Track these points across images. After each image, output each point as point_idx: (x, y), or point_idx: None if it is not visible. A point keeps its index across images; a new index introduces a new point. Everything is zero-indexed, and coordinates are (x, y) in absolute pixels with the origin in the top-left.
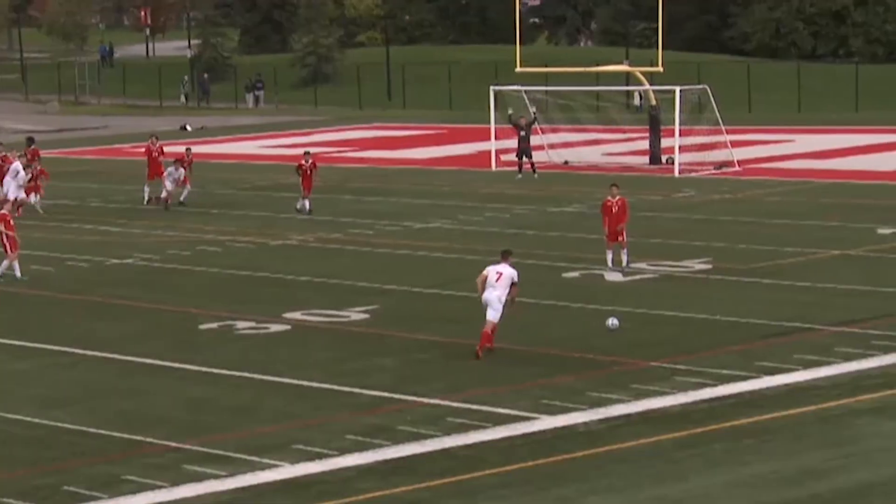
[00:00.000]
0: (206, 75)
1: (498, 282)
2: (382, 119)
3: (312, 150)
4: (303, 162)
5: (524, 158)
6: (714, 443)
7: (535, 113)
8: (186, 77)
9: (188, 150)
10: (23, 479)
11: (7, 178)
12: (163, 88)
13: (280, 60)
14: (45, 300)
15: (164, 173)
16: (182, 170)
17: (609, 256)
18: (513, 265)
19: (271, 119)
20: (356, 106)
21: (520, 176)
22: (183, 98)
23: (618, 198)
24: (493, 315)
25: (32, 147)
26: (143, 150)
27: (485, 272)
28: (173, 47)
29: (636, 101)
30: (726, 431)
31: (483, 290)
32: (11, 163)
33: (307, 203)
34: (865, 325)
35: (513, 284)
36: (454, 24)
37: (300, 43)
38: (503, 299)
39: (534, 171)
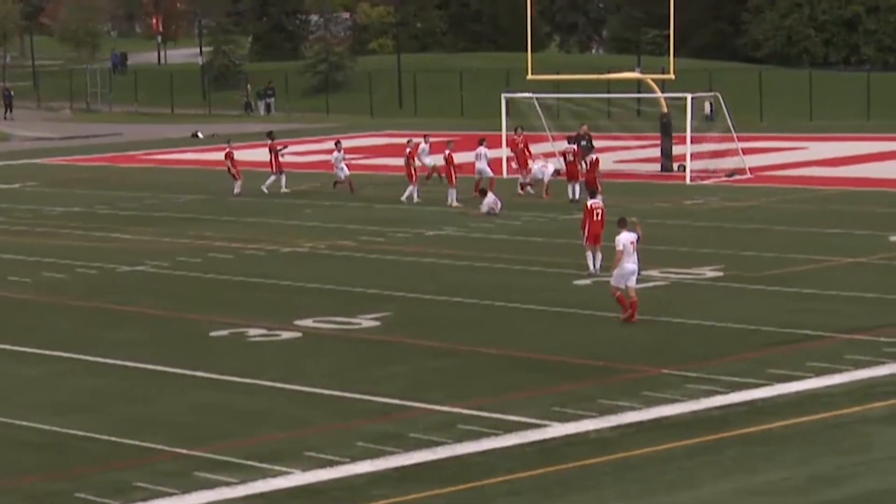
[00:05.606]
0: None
1: (634, 249)
2: (394, 126)
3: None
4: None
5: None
6: (725, 450)
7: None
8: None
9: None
10: (33, 485)
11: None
12: (174, 96)
13: (291, 68)
14: (55, 307)
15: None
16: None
17: (590, 258)
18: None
19: (283, 126)
20: (367, 113)
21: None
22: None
23: (599, 202)
24: (634, 282)
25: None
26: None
27: (619, 246)
28: (185, 55)
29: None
30: (737, 439)
31: (620, 261)
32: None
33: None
34: (877, 333)
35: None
36: (465, 32)
37: (311, 50)
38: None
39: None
